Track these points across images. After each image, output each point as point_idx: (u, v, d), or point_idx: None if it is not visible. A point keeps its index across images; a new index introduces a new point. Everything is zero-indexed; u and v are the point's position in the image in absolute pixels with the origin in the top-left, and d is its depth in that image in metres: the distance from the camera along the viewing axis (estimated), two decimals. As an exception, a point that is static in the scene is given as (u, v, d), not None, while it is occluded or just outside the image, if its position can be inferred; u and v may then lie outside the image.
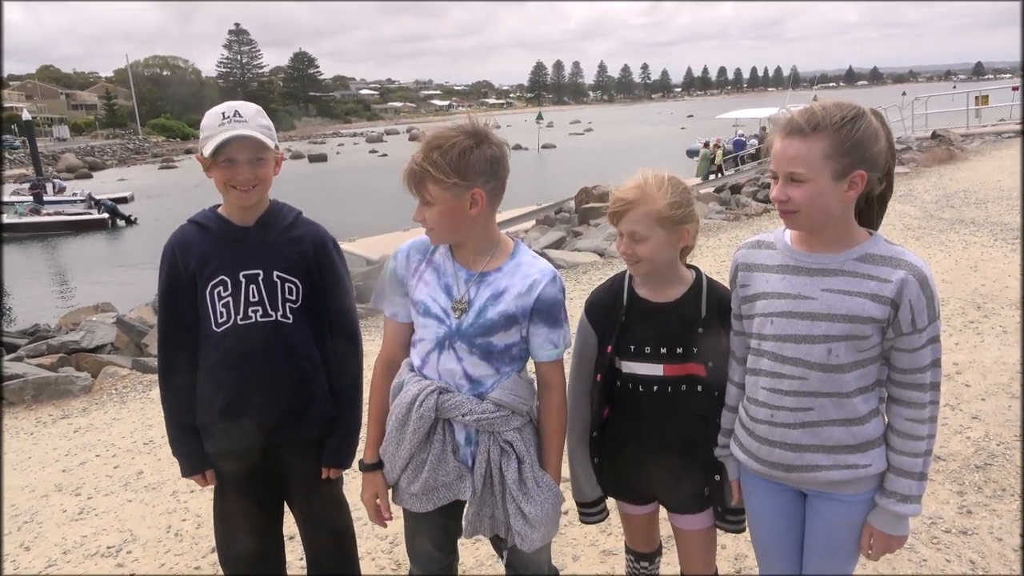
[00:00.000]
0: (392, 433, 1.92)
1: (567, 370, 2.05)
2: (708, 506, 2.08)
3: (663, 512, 2.19)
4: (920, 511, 1.76)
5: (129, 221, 30.62)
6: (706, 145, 27.51)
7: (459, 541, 2.12)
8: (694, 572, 2.16)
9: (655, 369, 1.97)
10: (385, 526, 2.07)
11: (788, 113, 1.67)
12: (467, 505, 1.95)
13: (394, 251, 2.00)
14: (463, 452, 1.92)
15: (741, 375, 1.91)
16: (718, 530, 2.12)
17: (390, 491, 2.03)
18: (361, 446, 2.15)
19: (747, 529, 2.04)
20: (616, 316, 2.01)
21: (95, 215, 30.10)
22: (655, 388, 1.98)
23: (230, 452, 2.17)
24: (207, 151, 2.00)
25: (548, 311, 1.91)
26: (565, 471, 2.05)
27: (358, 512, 2.33)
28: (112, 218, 30.22)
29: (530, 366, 2.03)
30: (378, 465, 2.02)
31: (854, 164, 1.62)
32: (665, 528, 2.28)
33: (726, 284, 1.99)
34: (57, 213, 29.70)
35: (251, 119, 2.04)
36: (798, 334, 1.72)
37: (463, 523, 1.97)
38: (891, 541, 1.78)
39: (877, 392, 1.77)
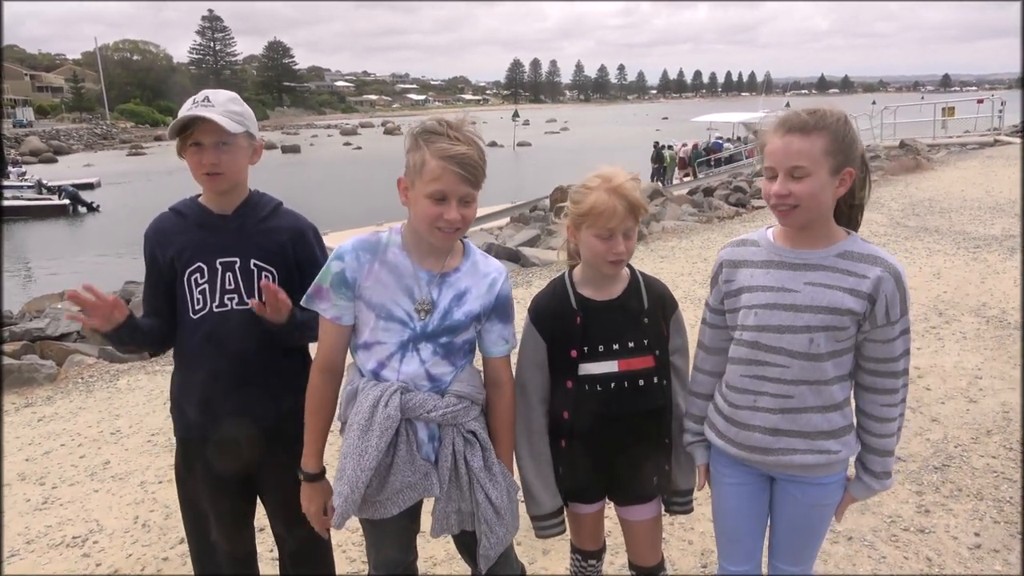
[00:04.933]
0: (353, 444, 1.82)
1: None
2: (656, 495, 2.12)
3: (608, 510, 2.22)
4: (892, 483, 1.94)
5: (91, 208, 29.60)
6: (666, 147, 27.99)
7: (430, 538, 2.13)
8: (643, 561, 2.20)
9: (610, 366, 2.00)
10: (328, 534, 2.02)
11: (783, 114, 1.75)
12: (434, 502, 1.93)
13: (337, 251, 1.89)
14: (426, 449, 1.90)
15: (712, 364, 2.01)
16: (677, 519, 2.17)
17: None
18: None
19: (712, 517, 2.10)
20: (571, 320, 2.01)
21: (55, 201, 28.93)
22: (612, 385, 2.00)
23: (202, 439, 2.16)
24: (169, 131, 2.01)
25: (504, 308, 1.96)
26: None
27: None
28: (73, 205, 29.13)
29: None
30: (323, 474, 1.99)
31: (846, 161, 1.74)
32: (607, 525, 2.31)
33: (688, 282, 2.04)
34: (15, 198, 28.56)
35: (220, 104, 2.03)
36: (782, 324, 1.81)
37: (432, 521, 1.94)
38: (856, 502, 1.98)
39: (850, 381, 1.87)
